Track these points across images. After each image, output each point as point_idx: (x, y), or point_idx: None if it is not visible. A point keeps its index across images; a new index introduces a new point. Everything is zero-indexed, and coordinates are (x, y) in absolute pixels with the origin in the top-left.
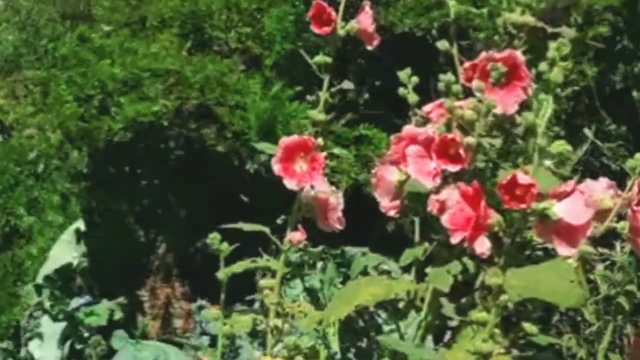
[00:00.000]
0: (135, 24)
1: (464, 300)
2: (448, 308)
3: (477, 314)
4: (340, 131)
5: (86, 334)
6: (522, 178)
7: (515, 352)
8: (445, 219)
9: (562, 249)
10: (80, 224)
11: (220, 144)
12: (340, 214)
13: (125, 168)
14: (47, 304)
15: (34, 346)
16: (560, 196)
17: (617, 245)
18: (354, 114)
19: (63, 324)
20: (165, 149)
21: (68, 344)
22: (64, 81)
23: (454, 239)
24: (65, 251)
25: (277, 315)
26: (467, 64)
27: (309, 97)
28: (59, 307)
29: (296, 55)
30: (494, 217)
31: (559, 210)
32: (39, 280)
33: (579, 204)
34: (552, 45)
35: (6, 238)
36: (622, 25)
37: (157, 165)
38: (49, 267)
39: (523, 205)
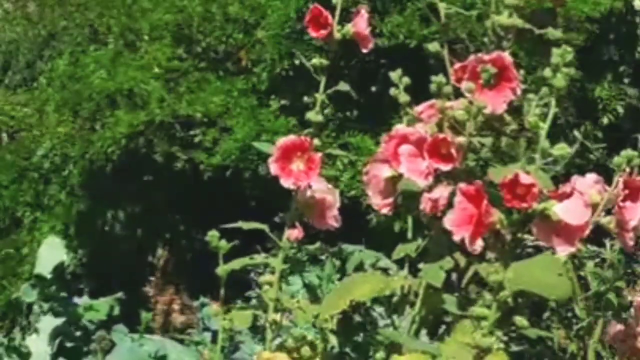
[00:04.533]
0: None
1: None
2: (449, 302)
3: (477, 310)
4: (325, 139)
5: (78, 333)
6: (524, 178)
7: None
8: (447, 220)
9: (560, 248)
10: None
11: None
12: (336, 212)
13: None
14: (42, 305)
15: (28, 339)
16: (561, 197)
17: (607, 243)
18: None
19: (53, 319)
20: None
21: (57, 341)
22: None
23: (455, 237)
24: (55, 250)
25: (276, 310)
26: (457, 65)
27: (306, 100)
28: (53, 304)
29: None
30: (496, 215)
31: (559, 210)
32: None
33: (578, 204)
34: (556, 51)
35: (9, 229)
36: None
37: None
38: (41, 265)
39: (524, 205)
